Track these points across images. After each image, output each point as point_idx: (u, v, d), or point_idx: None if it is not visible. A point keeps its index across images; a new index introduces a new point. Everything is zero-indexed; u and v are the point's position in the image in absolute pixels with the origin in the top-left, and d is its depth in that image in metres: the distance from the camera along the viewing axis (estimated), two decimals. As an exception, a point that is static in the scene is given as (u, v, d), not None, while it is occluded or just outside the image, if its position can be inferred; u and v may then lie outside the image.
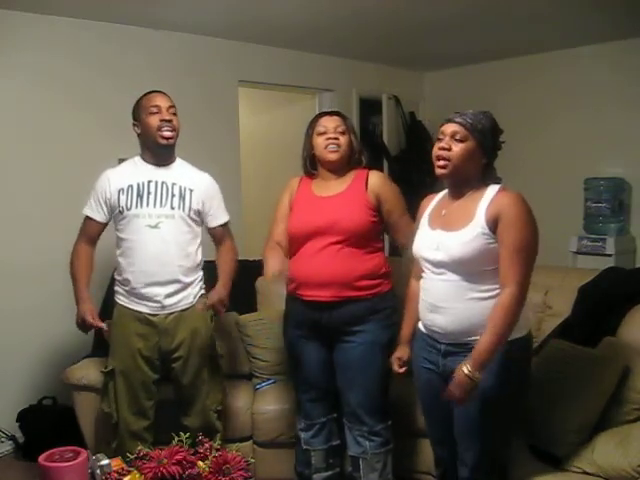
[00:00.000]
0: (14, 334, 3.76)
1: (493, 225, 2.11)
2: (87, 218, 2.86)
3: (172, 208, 2.78)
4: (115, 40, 4.12)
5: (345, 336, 2.70)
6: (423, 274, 2.32)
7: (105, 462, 2.05)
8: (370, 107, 5.88)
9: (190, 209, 2.82)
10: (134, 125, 2.81)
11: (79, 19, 3.89)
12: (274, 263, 2.63)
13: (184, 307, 2.85)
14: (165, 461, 1.85)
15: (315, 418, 2.87)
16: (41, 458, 1.96)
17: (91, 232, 2.86)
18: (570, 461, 2.43)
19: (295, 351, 2.85)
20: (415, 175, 5.07)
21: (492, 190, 2.18)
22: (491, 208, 2.12)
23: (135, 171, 2.82)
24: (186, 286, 2.85)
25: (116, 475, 1.97)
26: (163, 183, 2.80)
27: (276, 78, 5.08)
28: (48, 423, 3.62)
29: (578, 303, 3.08)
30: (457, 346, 2.21)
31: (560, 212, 5.03)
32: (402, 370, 2.50)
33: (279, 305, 3.08)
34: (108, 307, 2.97)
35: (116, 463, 2.08)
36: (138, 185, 2.78)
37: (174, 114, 2.79)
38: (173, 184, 2.81)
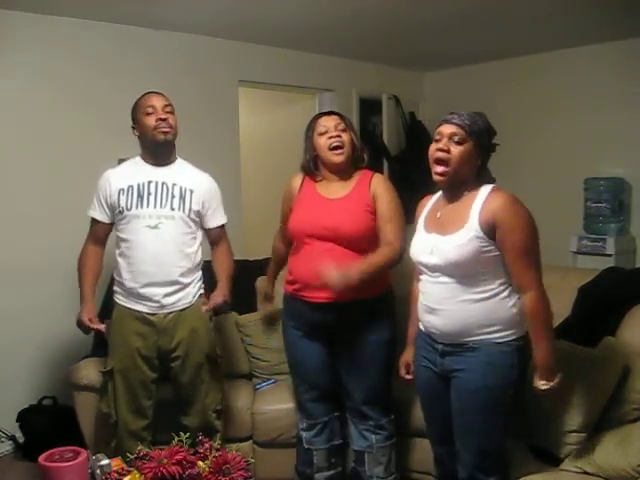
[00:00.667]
0: (14, 334, 3.76)
1: (488, 229, 2.11)
2: (92, 220, 2.88)
3: (172, 209, 2.78)
4: (115, 40, 4.12)
5: (347, 335, 2.71)
6: (421, 277, 2.33)
7: (105, 462, 2.05)
8: (370, 107, 5.88)
9: (190, 210, 2.82)
10: (133, 128, 2.82)
11: (79, 19, 3.89)
12: (263, 286, 3.03)
13: (183, 307, 2.85)
14: (165, 461, 1.85)
15: (317, 418, 2.87)
16: (41, 458, 1.96)
17: (98, 233, 2.88)
18: (570, 461, 2.43)
19: (296, 352, 2.85)
20: (415, 175, 5.06)
21: (484, 191, 2.18)
22: (485, 212, 2.12)
23: (136, 171, 2.82)
24: (185, 286, 2.85)
25: (116, 475, 1.97)
26: (163, 184, 2.80)
27: (276, 78, 5.08)
28: (48, 423, 3.61)
29: (578, 303, 3.08)
30: (454, 346, 2.23)
31: (560, 212, 5.03)
32: (410, 377, 2.52)
33: (279, 304, 3.08)
34: (108, 307, 2.97)
35: (116, 463, 2.09)
36: (138, 185, 2.78)
37: (170, 112, 2.79)
38: (173, 185, 2.81)
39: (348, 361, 2.75)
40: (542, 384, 2.13)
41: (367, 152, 2.84)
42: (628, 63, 4.88)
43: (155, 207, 2.77)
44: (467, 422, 2.24)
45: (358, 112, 5.76)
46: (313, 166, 2.79)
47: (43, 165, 3.85)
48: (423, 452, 2.95)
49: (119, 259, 2.84)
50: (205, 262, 2.99)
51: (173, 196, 2.79)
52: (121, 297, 2.85)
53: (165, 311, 2.81)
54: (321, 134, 2.72)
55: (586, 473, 2.37)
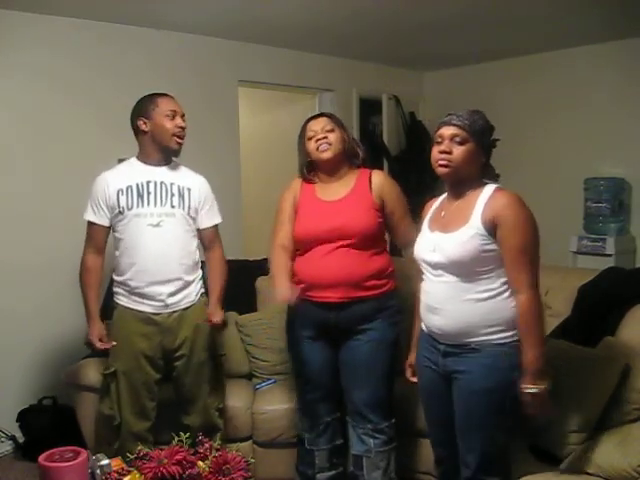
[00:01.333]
0: (14, 334, 3.76)
1: (490, 227, 2.11)
2: (90, 224, 2.83)
3: (172, 207, 2.79)
4: (115, 40, 4.12)
5: (353, 335, 2.71)
6: (423, 276, 2.33)
7: (105, 462, 2.04)
8: (370, 107, 5.88)
9: (189, 207, 2.83)
10: (141, 120, 2.78)
11: (78, 19, 3.89)
12: (284, 287, 2.61)
13: (186, 305, 2.86)
14: (165, 461, 1.84)
15: (319, 418, 2.87)
16: (41, 458, 1.96)
17: (97, 238, 2.83)
18: (570, 461, 2.42)
19: (300, 352, 2.84)
20: (415, 175, 5.06)
21: (489, 189, 2.18)
22: (487, 210, 2.13)
23: (132, 172, 2.82)
24: (188, 284, 2.86)
25: (116, 475, 1.97)
26: (162, 183, 2.80)
27: (276, 78, 5.08)
28: (48, 423, 3.62)
29: (578, 303, 3.08)
30: (456, 347, 2.22)
31: (560, 212, 5.03)
32: (415, 379, 2.51)
33: (279, 305, 3.08)
34: (107, 308, 2.96)
35: (116, 463, 2.08)
36: (137, 185, 2.78)
37: (185, 121, 2.83)
38: (171, 183, 2.82)
39: (351, 362, 2.75)
40: (527, 388, 2.10)
41: (362, 148, 2.84)
42: (628, 63, 4.88)
43: (156, 205, 2.77)
44: (469, 423, 2.24)
45: (358, 112, 5.76)
46: (308, 171, 2.81)
47: (43, 165, 3.85)
48: (425, 452, 2.96)
49: (120, 260, 2.83)
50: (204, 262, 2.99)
51: (172, 194, 2.80)
52: (123, 298, 2.85)
53: (169, 310, 2.81)
54: (310, 138, 2.74)
55: (586, 473, 2.37)
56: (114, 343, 2.79)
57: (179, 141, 2.78)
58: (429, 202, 2.45)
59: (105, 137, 3.96)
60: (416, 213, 2.50)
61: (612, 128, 5.03)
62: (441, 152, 2.18)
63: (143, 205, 2.76)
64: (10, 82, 3.73)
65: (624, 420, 2.48)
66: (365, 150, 2.86)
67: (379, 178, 2.77)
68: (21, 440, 3.74)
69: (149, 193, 2.78)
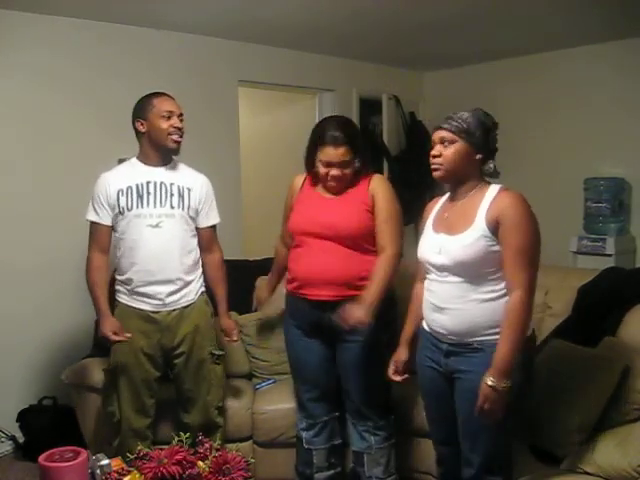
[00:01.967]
0: (14, 334, 3.76)
1: (494, 227, 2.12)
2: (93, 224, 2.84)
3: (172, 207, 2.80)
4: (115, 40, 4.12)
5: (346, 335, 2.70)
6: (428, 276, 2.33)
7: (105, 462, 2.05)
8: (370, 107, 5.88)
9: (189, 208, 2.84)
10: (138, 122, 2.79)
11: (78, 19, 3.89)
12: (260, 294, 3.05)
13: (185, 304, 2.87)
14: (165, 461, 1.84)
15: (317, 417, 2.87)
16: (41, 458, 1.96)
17: (101, 238, 2.84)
18: (571, 461, 2.43)
19: (297, 351, 2.86)
20: (415, 175, 5.05)
21: (493, 190, 2.19)
22: (491, 210, 2.13)
23: (133, 172, 2.82)
24: (187, 284, 2.87)
25: (116, 475, 1.97)
26: (162, 183, 2.81)
27: (276, 78, 5.08)
28: (48, 423, 3.62)
29: (578, 303, 3.08)
30: (459, 346, 2.22)
31: (560, 212, 5.03)
32: (397, 378, 2.49)
33: (279, 305, 3.09)
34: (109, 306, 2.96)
35: (116, 463, 2.08)
36: (137, 186, 2.78)
37: (182, 120, 2.82)
38: (171, 184, 2.82)
39: (347, 361, 2.75)
40: (490, 380, 2.07)
41: (370, 162, 2.82)
42: (628, 63, 4.88)
43: (155, 206, 2.78)
44: (472, 423, 2.23)
45: (358, 112, 5.76)
46: (311, 166, 2.78)
47: (43, 165, 3.85)
48: (424, 452, 2.96)
49: (121, 260, 2.84)
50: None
51: (172, 194, 2.81)
52: (124, 296, 2.86)
53: (168, 309, 2.83)
54: (325, 164, 2.66)
55: (586, 473, 2.37)
56: (129, 335, 2.77)
57: (176, 140, 2.77)
58: (431, 203, 2.46)
59: (105, 137, 3.96)
60: (416, 213, 2.49)
61: (612, 128, 5.03)
62: (432, 156, 2.22)
63: (142, 206, 2.77)
64: (10, 82, 3.72)
65: (624, 420, 2.48)
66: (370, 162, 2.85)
67: (377, 181, 2.78)
68: (21, 440, 3.74)
69: (149, 193, 2.78)
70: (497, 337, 2.15)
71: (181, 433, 1.97)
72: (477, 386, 2.16)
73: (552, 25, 4.50)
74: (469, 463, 2.28)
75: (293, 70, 5.15)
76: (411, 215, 3.15)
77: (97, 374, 3.13)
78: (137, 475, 1.89)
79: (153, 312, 2.82)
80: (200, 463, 1.89)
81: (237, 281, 3.14)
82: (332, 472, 2.93)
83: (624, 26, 4.49)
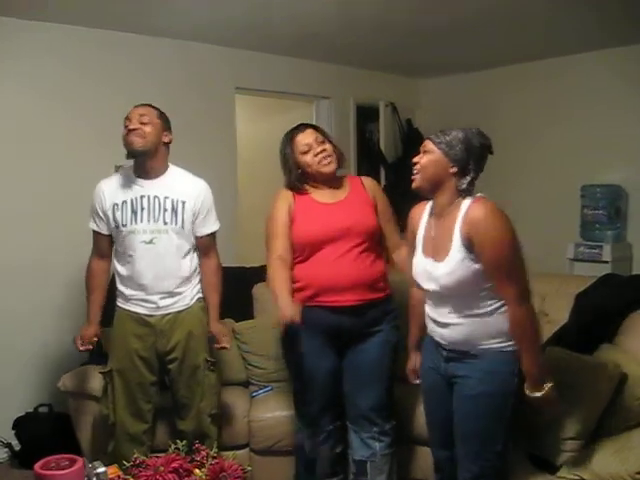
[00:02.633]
0: (10, 341, 3.75)
1: (469, 245, 2.13)
2: (95, 233, 2.90)
3: (165, 223, 2.79)
4: (112, 47, 4.12)
5: (363, 338, 2.73)
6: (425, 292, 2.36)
7: (101, 470, 2.04)
8: (367, 114, 5.89)
9: (183, 222, 2.82)
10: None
11: (75, 26, 3.89)
12: (288, 307, 2.45)
13: (180, 309, 2.87)
14: (162, 469, 1.84)
15: (323, 426, 2.83)
16: (37, 466, 1.96)
17: (101, 245, 2.90)
18: (568, 469, 2.42)
19: (309, 361, 2.76)
20: (411, 182, 5.06)
21: (465, 204, 2.19)
22: (463, 227, 2.14)
23: (128, 185, 2.82)
24: (180, 294, 2.87)
25: (112, 483, 1.97)
26: (155, 197, 2.80)
27: (273, 85, 5.08)
28: (44, 431, 3.60)
29: (575, 310, 3.09)
30: (458, 353, 2.25)
31: (557, 219, 5.04)
32: (418, 381, 2.54)
33: (274, 312, 3.05)
34: (105, 315, 2.96)
35: (112, 471, 2.08)
36: (132, 201, 2.79)
37: (145, 122, 2.74)
38: (165, 198, 2.80)
39: (359, 365, 2.75)
40: (532, 393, 2.13)
41: (343, 153, 2.87)
42: (627, 70, 4.89)
43: (149, 222, 2.78)
44: (468, 428, 2.24)
45: (355, 119, 5.77)
46: (299, 182, 2.78)
47: (41, 171, 3.85)
48: (422, 460, 2.96)
49: (117, 270, 2.88)
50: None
51: (165, 210, 2.79)
52: (121, 300, 2.90)
53: (162, 312, 2.83)
54: (305, 152, 2.74)
55: (583, 480, 2.37)
56: (90, 347, 2.87)
57: (129, 142, 2.72)
58: (416, 210, 2.45)
59: (102, 144, 3.95)
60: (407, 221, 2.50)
61: (609, 135, 5.04)
62: (413, 164, 2.28)
63: (136, 222, 2.78)
64: (6, 89, 3.73)
65: (621, 427, 2.48)
66: (344, 155, 2.88)
67: (369, 181, 2.87)
68: (17, 448, 3.72)
69: (142, 209, 2.78)
70: (496, 345, 2.18)
71: (178, 441, 1.96)
72: (474, 391, 2.19)
73: (550, 32, 4.51)
74: (465, 469, 2.28)
75: (290, 77, 5.15)
76: (404, 221, 3.16)
77: (93, 381, 3.12)
78: (133, 483, 1.89)
79: (147, 315, 2.83)
80: (197, 471, 1.89)
81: (233, 288, 3.13)
82: (335, 479, 2.92)
83: (622, 33, 4.50)
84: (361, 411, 2.78)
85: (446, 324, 2.24)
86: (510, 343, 2.18)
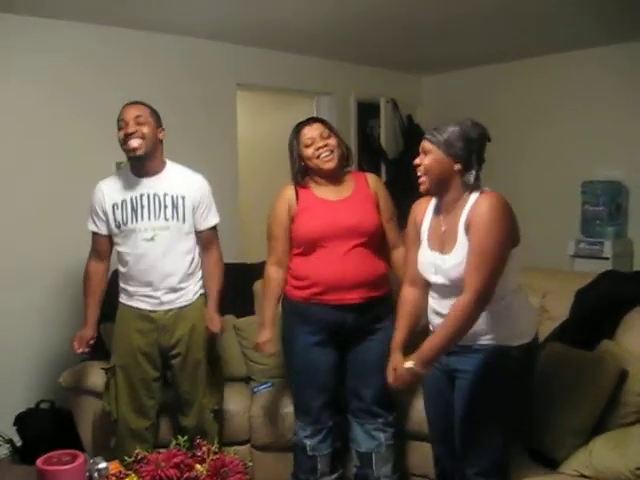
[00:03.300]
0: (12, 337, 3.76)
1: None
2: (94, 233, 2.90)
3: (166, 219, 2.80)
4: (113, 43, 4.12)
5: (366, 335, 2.75)
6: (430, 287, 2.35)
7: (103, 465, 2.05)
8: (368, 110, 5.89)
9: (184, 217, 2.83)
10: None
11: (77, 22, 3.89)
12: (267, 342, 2.81)
13: (183, 304, 2.87)
14: (163, 464, 1.85)
15: (324, 423, 2.85)
16: (39, 462, 1.96)
17: (100, 247, 2.90)
18: (568, 464, 2.43)
19: (309, 358, 2.78)
20: (412, 178, 5.05)
21: (472, 198, 2.18)
22: (468, 218, 2.14)
23: (126, 185, 2.83)
24: (183, 289, 2.88)
25: (114, 478, 1.97)
26: (155, 195, 2.80)
27: (274, 81, 5.09)
28: (46, 426, 3.61)
29: (575, 306, 3.09)
30: (461, 347, 2.23)
31: (558, 215, 5.04)
32: (397, 384, 2.46)
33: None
34: (108, 309, 2.97)
35: (114, 466, 2.09)
36: (131, 199, 2.79)
37: (141, 123, 2.73)
38: (165, 194, 2.80)
39: (362, 360, 2.77)
40: (410, 363, 2.14)
41: (351, 150, 2.89)
42: (626, 66, 4.89)
43: (150, 219, 2.78)
44: (468, 424, 2.25)
45: (356, 115, 5.78)
46: (302, 175, 2.80)
47: (42, 168, 3.85)
48: (421, 455, 2.96)
49: (119, 269, 2.89)
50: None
51: (166, 206, 2.80)
52: (123, 296, 2.91)
53: (165, 308, 2.84)
54: (307, 146, 2.74)
55: (584, 476, 2.37)
56: (86, 349, 2.88)
57: (130, 148, 2.72)
58: (422, 201, 2.43)
59: (103, 140, 3.91)
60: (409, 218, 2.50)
61: (610, 131, 5.04)
62: (415, 166, 2.26)
63: (137, 220, 2.78)
64: (9, 85, 3.73)
65: (622, 423, 2.48)
66: (351, 153, 2.89)
67: (374, 178, 2.88)
68: (19, 444, 3.73)
69: (142, 207, 2.79)
70: (498, 340, 2.18)
71: (179, 436, 1.97)
72: (476, 387, 2.19)
73: (550, 29, 4.51)
74: (466, 464, 2.28)
75: (291, 73, 5.16)
76: (406, 218, 3.16)
77: (95, 377, 3.13)
78: (135, 478, 1.90)
79: (150, 311, 2.84)
80: (198, 466, 1.90)
81: (235, 284, 3.13)
82: (336, 475, 2.93)
83: (623, 30, 4.50)
84: (366, 405, 2.80)
85: None
86: (513, 339, 2.18)
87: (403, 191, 3.02)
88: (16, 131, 3.76)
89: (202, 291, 2.96)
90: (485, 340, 2.19)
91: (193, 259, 2.90)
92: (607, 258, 4.85)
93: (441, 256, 2.23)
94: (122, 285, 2.89)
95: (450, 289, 2.21)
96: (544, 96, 5.42)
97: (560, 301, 3.14)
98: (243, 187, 5.04)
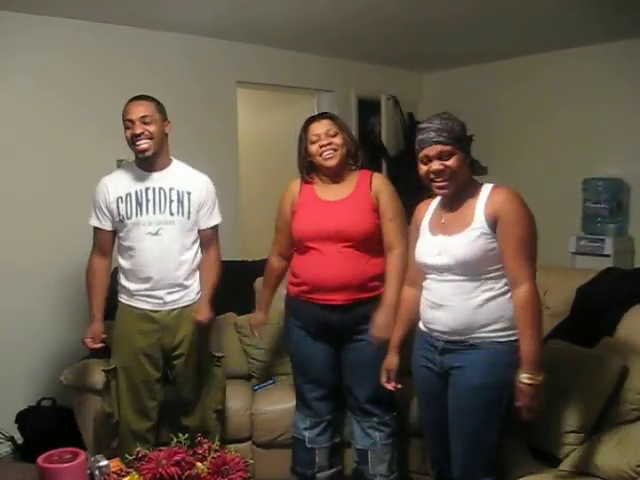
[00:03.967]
0: (13, 335, 3.76)
1: (492, 222, 2.14)
2: (96, 229, 2.87)
3: (171, 214, 2.79)
4: (113, 41, 4.11)
5: (354, 335, 2.74)
6: (427, 276, 2.33)
7: (104, 463, 2.05)
8: (369, 108, 5.88)
9: (189, 213, 2.82)
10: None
11: (77, 20, 3.89)
12: (256, 319, 3.03)
13: (185, 304, 2.86)
14: (164, 462, 1.85)
15: (322, 416, 2.88)
16: (40, 459, 1.96)
17: (102, 242, 2.87)
18: (569, 461, 2.43)
19: (302, 350, 2.85)
20: (413, 175, 5.03)
21: (486, 189, 2.21)
22: (489, 206, 2.15)
23: (132, 178, 2.82)
24: (187, 287, 2.87)
25: (115, 476, 1.97)
26: (160, 189, 2.79)
27: (275, 79, 5.08)
28: (47, 424, 3.61)
29: (577, 303, 3.09)
30: (455, 343, 2.23)
31: (558, 212, 5.03)
32: (390, 387, 2.51)
33: (277, 305, 3.07)
34: (109, 308, 2.97)
35: (115, 464, 2.09)
36: (136, 193, 2.78)
37: (148, 122, 2.72)
38: (170, 189, 2.80)
39: (353, 360, 2.77)
40: (525, 377, 2.07)
41: (362, 151, 2.86)
42: (627, 63, 4.88)
43: (155, 213, 2.77)
44: (463, 420, 2.24)
45: (357, 113, 5.77)
46: (307, 171, 2.81)
47: (42, 166, 3.85)
48: (422, 453, 2.96)
49: (122, 264, 2.85)
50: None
51: (171, 201, 2.79)
52: (124, 296, 2.87)
53: (168, 308, 2.82)
54: (313, 142, 2.74)
55: (585, 474, 2.37)
56: (102, 345, 2.85)
57: (139, 148, 2.72)
58: (422, 204, 2.45)
59: (104, 138, 3.95)
60: (411, 213, 2.50)
61: (611, 129, 5.03)
62: (434, 173, 2.20)
63: (142, 213, 2.76)
64: (9, 84, 3.72)
65: (622, 420, 2.48)
66: (364, 152, 2.87)
67: (379, 180, 2.80)
68: (20, 441, 3.73)
69: (148, 201, 2.78)
70: (495, 334, 2.18)
71: (180, 434, 1.97)
72: (471, 382, 2.18)
73: (551, 25, 4.50)
74: (458, 462, 2.28)
75: (292, 71, 5.15)
76: (409, 215, 3.16)
77: (96, 375, 3.13)
78: (136, 476, 1.90)
79: (153, 311, 2.82)
80: (199, 464, 1.90)
81: (235, 282, 3.14)
82: (334, 470, 2.95)
83: (623, 27, 4.49)
84: (359, 403, 2.81)
85: (447, 306, 2.22)
86: (509, 333, 2.17)
87: (404, 188, 3.02)
88: (16, 130, 3.75)
89: None
90: (482, 333, 2.18)
91: (196, 255, 2.90)
92: (608, 255, 4.85)
93: (447, 237, 2.22)
94: (123, 283, 2.85)
95: (451, 270, 2.20)
96: (545, 93, 5.41)
97: (561, 298, 3.14)
98: (244, 184, 5.04)
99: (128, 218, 2.77)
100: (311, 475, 2.91)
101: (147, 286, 2.79)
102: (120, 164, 3.40)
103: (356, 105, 5.76)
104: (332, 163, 2.72)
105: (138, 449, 1.96)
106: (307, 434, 2.89)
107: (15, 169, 3.76)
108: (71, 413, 3.42)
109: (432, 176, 2.22)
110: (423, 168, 2.25)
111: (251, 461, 2.03)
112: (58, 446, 2.05)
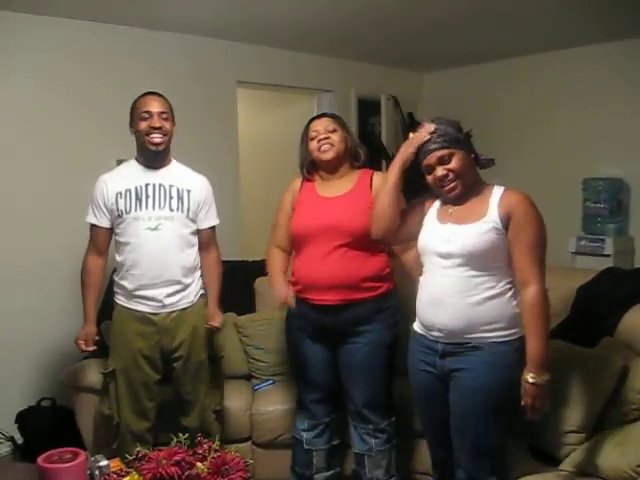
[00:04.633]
0: (13, 335, 3.76)
1: (505, 220, 2.16)
2: (92, 226, 2.85)
3: (171, 210, 2.79)
4: (113, 41, 4.12)
5: (350, 337, 2.71)
6: (426, 270, 2.32)
7: (104, 463, 2.05)
8: (369, 108, 5.88)
9: (189, 210, 2.82)
10: (130, 127, 2.82)
11: (77, 20, 3.89)
12: (281, 287, 2.71)
13: (184, 306, 2.86)
14: (164, 462, 1.85)
15: (320, 418, 2.87)
16: (40, 459, 1.96)
17: (99, 240, 2.85)
18: (569, 461, 2.43)
19: (299, 352, 2.85)
20: (413, 175, 5.05)
21: (499, 190, 2.23)
22: (503, 205, 2.17)
23: (132, 174, 2.81)
24: (186, 286, 2.86)
25: (115, 476, 1.97)
26: (160, 185, 2.80)
27: (275, 79, 5.08)
28: (47, 424, 3.61)
29: (577, 303, 3.08)
30: (456, 345, 2.22)
31: (559, 212, 4.99)
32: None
33: (277, 305, 3.06)
34: (107, 308, 2.97)
35: (115, 464, 2.09)
36: (136, 188, 2.77)
37: (165, 119, 2.76)
38: (170, 186, 2.81)
39: (349, 364, 2.76)
40: (530, 377, 2.09)
41: (363, 149, 2.85)
42: (627, 63, 4.88)
43: (154, 209, 2.77)
44: (466, 422, 2.24)
45: (357, 113, 5.77)
46: (309, 170, 2.82)
47: (42, 166, 3.85)
48: (424, 453, 2.95)
49: (120, 262, 2.84)
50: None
51: (171, 197, 2.79)
52: (122, 298, 2.85)
53: (167, 310, 2.81)
54: (312, 138, 2.75)
55: (585, 474, 2.37)
56: (95, 347, 2.85)
57: (153, 142, 2.73)
58: (427, 203, 2.45)
59: (104, 138, 3.96)
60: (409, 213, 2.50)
61: (611, 129, 5.03)
62: (439, 179, 2.23)
63: (141, 208, 2.76)
64: (9, 83, 3.72)
65: (623, 420, 2.48)
66: (366, 152, 2.86)
67: (380, 178, 2.77)
68: (20, 441, 3.73)
69: (147, 196, 2.77)
70: (495, 334, 2.18)
71: (180, 434, 1.97)
72: (475, 383, 2.18)
73: (551, 26, 4.50)
74: (462, 463, 2.28)
75: (292, 71, 5.15)
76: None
77: (96, 375, 3.12)
78: (136, 476, 1.90)
79: (151, 314, 2.80)
80: (199, 464, 1.90)
81: (236, 282, 3.13)
82: (332, 472, 2.94)
83: (623, 26, 4.49)
84: (356, 407, 2.80)
85: (447, 304, 2.20)
86: (510, 332, 2.18)
87: (404, 188, 3.01)
88: (16, 130, 3.75)
89: (202, 291, 2.95)
90: (483, 333, 2.18)
91: (195, 254, 2.90)
92: (608, 255, 4.85)
93: (458, 226, 2.23)
94: (121, 282, 2.84)
95: (456, 260, 2.19)
96: (545, 93, 5.41)
97: (561, 298, 3.13)
98: (244, 184, 5.04)
99: (127, 213, 2.76)
100: (309, 476, 2.91)
101: (145, 283, 2.77)
102: (119, 164, 3.40)
103: (356, 105, 5.76)
104: (328, 156, 2.72)
105: (138, 449, 1.95)
106: (305, 435, 2.89)
107: (15, 169, 3.76)
108: (71, 413, 3.42)
109: (439, 182, 2.24)
110: (429, 178, 2.28)
111: (251, 461, 2.03)
112: (58, 446, 2.05)
